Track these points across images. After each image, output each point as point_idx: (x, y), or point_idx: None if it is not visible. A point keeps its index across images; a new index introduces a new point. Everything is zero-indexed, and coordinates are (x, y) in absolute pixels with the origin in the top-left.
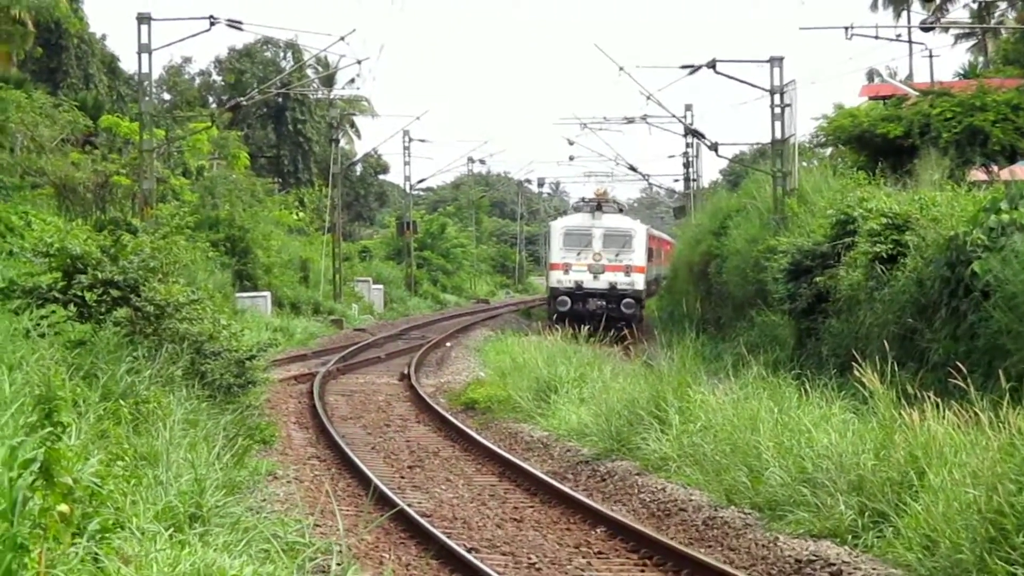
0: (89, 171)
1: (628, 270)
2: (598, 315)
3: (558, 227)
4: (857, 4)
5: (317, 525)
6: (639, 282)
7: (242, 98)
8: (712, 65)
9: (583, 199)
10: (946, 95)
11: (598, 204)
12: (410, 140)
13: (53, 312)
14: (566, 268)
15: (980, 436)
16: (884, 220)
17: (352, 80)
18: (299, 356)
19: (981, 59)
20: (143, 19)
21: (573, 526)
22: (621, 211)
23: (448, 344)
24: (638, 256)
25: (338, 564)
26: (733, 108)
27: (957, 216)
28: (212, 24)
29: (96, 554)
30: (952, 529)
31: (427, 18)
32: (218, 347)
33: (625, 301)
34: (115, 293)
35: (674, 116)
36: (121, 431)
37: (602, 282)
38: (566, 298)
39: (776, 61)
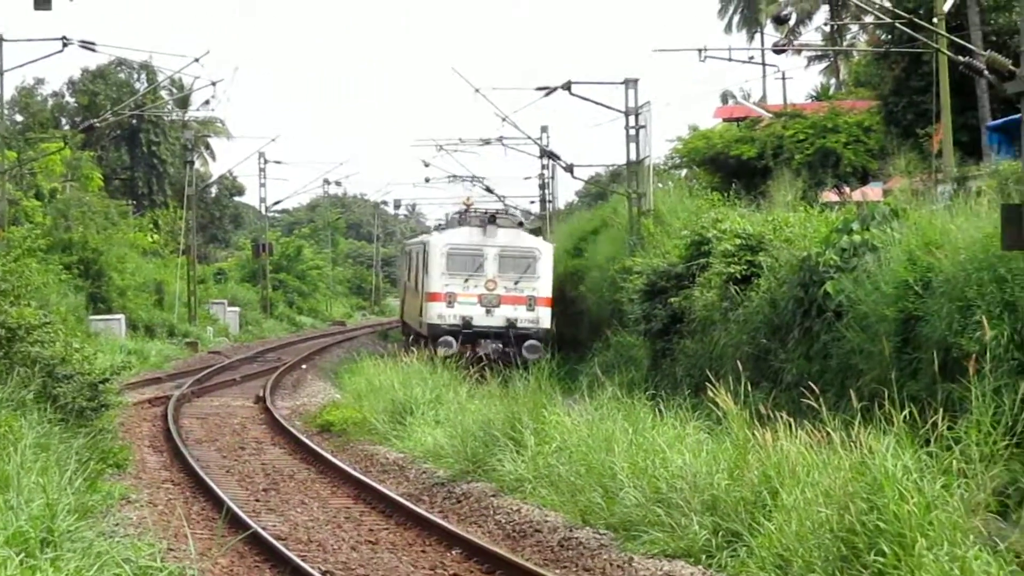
0: None
1: (532, 303)
2: (492, 360)
3: (438, 245)
4: (712, 26)
5: (171, 549)
6: (545, 318)
7: (96, 119)
8: (567, 87)
9: (468, 209)
10: (799, 117)
11: (492, 216)
12: (265, 162)
13: None
14: (450, 299)
15: (832, 456)
16: (738, 241)
17: (207, 102)
18: (154, 379)
19: (833, 81)
20: None
21: (428, 548)
22: (521, 225)
23: (304, 367)
24: (544, 284)
25: None
26: (589, 130)
27: (810, 237)
28: (65, 45)
29: None
30: (805, 548)
31: (283, 40)
32: (70, 370)
33: (528, 344)
34: None
35: (529, 138)
36: None
37: (497, 318)
38: (450, 339)
39: (631, 83)
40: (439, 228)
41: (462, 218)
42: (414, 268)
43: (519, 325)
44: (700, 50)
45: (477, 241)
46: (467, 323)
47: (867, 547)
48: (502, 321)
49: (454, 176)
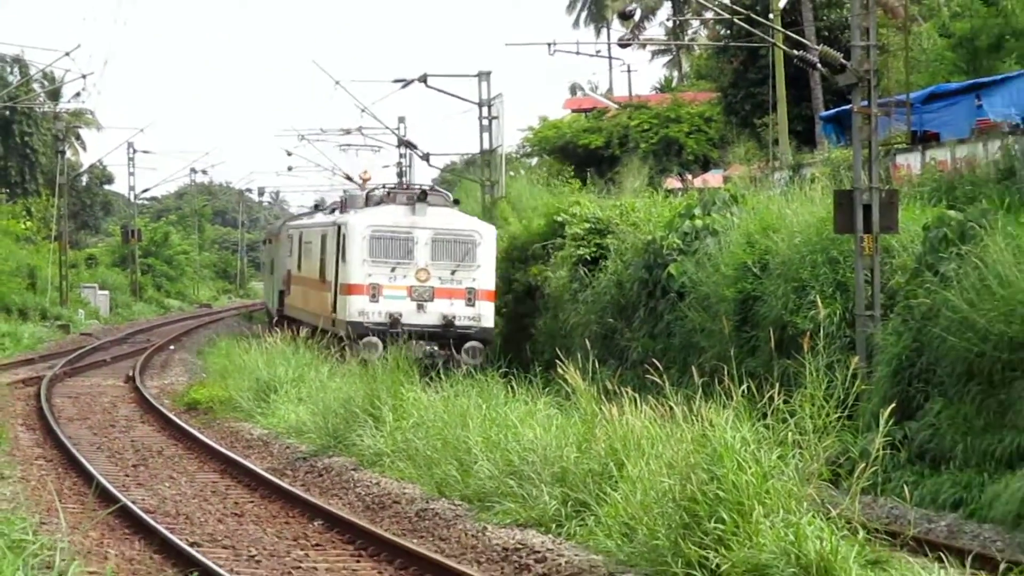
0: None
1: (471, 296)
2: (425, 365)
3: (359, 227)
4: (561, 22)
5: (43, 523)
6: (488, 315)
7: None
8: (423, 79)
9: (365, 183)
10: (643, 108)
11: (422, 192)
12: (134, 152)
13: None
14: (374, 292)
15: (675, 429)
16: (587, 225)
17: (78, 94)
18: (26, 360)
19: (676, 74)
20: None
21: (292, 520)
22: (457, 203)
23: (171, 348)
24: (486, 274)
25: (62, 560)
26: (445, 120)
27: (654, 221)
28: None
29: None
30: (649, 516)
31: (152, 34)
32: None
33: (469, 346)
34: None
35: (387, 128)
36: None
37: (431, 315)
38: (375, 340)
39: (484, 75)
40: (343, 207)
41: (382, 194)
42: (313, 254)
43: (457, 324)
44: (549, 44)
45: (405, 223)
46: (395, 321)
47: (708, 515)
48: (437, 318)
49: (318, 165)
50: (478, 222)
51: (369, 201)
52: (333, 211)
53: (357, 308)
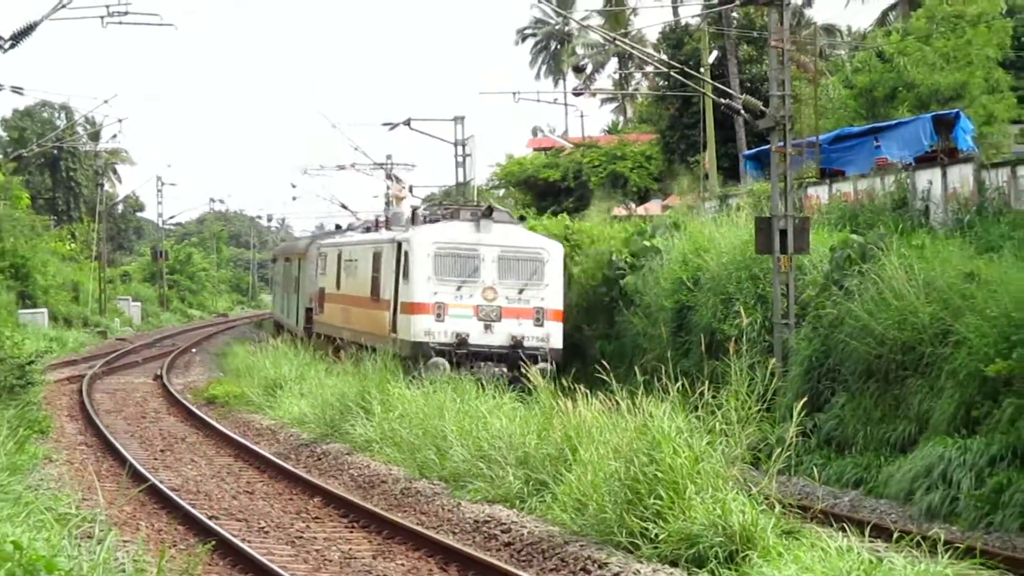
0: None
1: (540, 316)
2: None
3: (424, 243)
4: (526, 73)
5: (84, 499)
6: (557, 336)
7: (23, 150)
8: (407, 123)
9: (395, 202)
10: (594, 147)
11: (488, 209)
12: (162, 184)
13: None
14: (439, 311)
15: (620, 419)
16: (568, 244)
17: (115, 136)
18: (70, 361)
19: (622, 118)
20: None
21: (295, 496)
22: (523, 219)
23: (193, 350)
24: (554, 293)
25: (100, 531)
26: (427, 156)
27: (608, 242)
28: None
29: None
30: (598, 494)
31: (179, 81)
32: (2, 354)
33: (539, 369)
34: None
35: (376, 163)
36: None
37: (499, 335)
38: (441, 361)
39: (459, 119)
40: (385, 225)
41: (443, 211)
42: (360, 272)
43: (526, 345)
44: (515, 93)
45: (471, 240)
46: (462, 341)
47: (648, 492)
48: (505, 339)
49: (317, 195)
50: (545, 239)
51: (417, 219)
52: (368, 230)
53: (422, 328)
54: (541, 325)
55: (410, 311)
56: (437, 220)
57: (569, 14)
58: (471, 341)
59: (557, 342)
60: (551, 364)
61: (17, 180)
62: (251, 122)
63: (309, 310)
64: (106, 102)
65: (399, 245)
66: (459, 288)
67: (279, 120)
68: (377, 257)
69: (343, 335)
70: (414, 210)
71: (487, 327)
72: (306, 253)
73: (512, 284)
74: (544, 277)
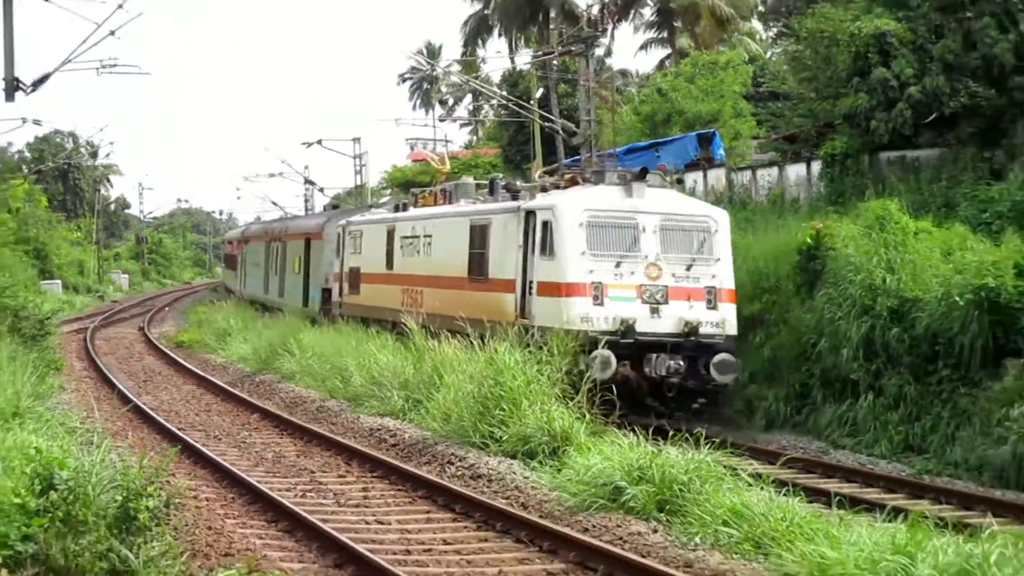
0: None
1: (712, 297)
2: (669, 386)
3: (572, 210)
4: (406, 105)
5: (87, 416)
6: (731, 320)
7: (42, 166)
8: (319, 142)
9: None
10: (455, 158)
11: (642, 172)
12: (142, 188)
13: None
14: (597, 292)
15: (474, 355)
16: None
17: (108, 154)
18: (77, 318)
19: (475, 137)
20: None
21: (240, 413)
22: (680, 182)
23: (167, 309)
24: (725, 269)
25: (98, 439)
26: (339, 165)
27: None
28: (24, 122)
29: None
30: (458, 408)
31: (151, 110)
32: (28, 313)
33: (720, 360)
34: None
35: (298, 172)
36: None
37: (668, 320)
38: (607, 354)
39: (356, 139)
40: (447, 198)
41: (590, 175)
42: (443, 248)
43: (701, 332)
44: (397, 120)
45: (625, 206)
46: (628, 328)
47: (494, 406)
48: (676, 325)
49: (256, 196)
50: (710, 206)
51: (546, 186)
52: (400, 208)
53: (577, 312)
54: (715, 308)
55: (557, 292)
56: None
57: (436, 63)
58: (639, 328)
59: (733, 328)
60: (732, 356)
61: (37, 188)
62: (207, 139)
63: (327, 291)
64: (101, 130)
65: (530, 214)
66: (618, 265)
67: (228, 137)
68: (481, 230)
69: (400, 318)
70: (545, 174)
71: (653, 311)
72: (321, 233)
73: (678, 259)
74: (714, 250)
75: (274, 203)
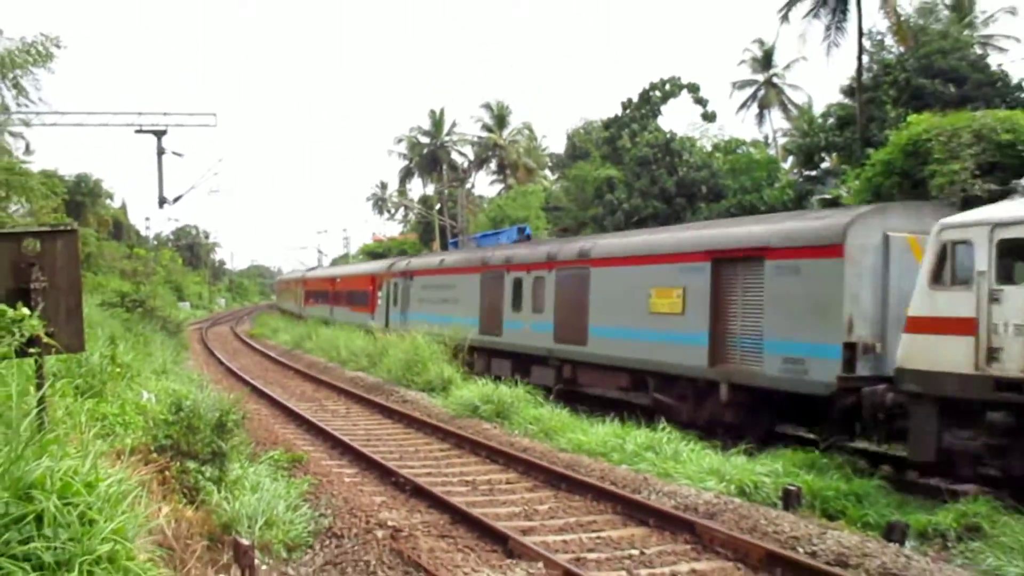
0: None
1: None
2: None
3: None
4: (370, 213)
5: (201, 374)
6: None
7: (179, 243)
8: (325, 231)
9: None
10: (393, 239)
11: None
12: (232, 255)
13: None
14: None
15: (404, 338)
16: None
17: (213, 238)
18: (198, 322)
19: (406, 227)
20: None
21: (283, 370)
22: None
23: (245, 317)
24: None
25: (205, 384)
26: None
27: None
28: (169, 220)
29: (131, 385)
30: (397, 366)
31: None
32: (171, 319)
33: None
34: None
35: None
36: (140, 344)
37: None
38: None
39: (345, 230)
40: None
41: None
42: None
43: None
44: (366, 220)
45: None
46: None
47: (413, 364)
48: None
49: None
50: None
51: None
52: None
53: None
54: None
55: None
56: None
57: (385, 192)
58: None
59: None
60: None
61: (177, 254)
62: (270, 218)
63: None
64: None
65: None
66: None
67: (279, 217)
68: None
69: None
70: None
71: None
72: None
73: None
74: None
75: (319, 251)
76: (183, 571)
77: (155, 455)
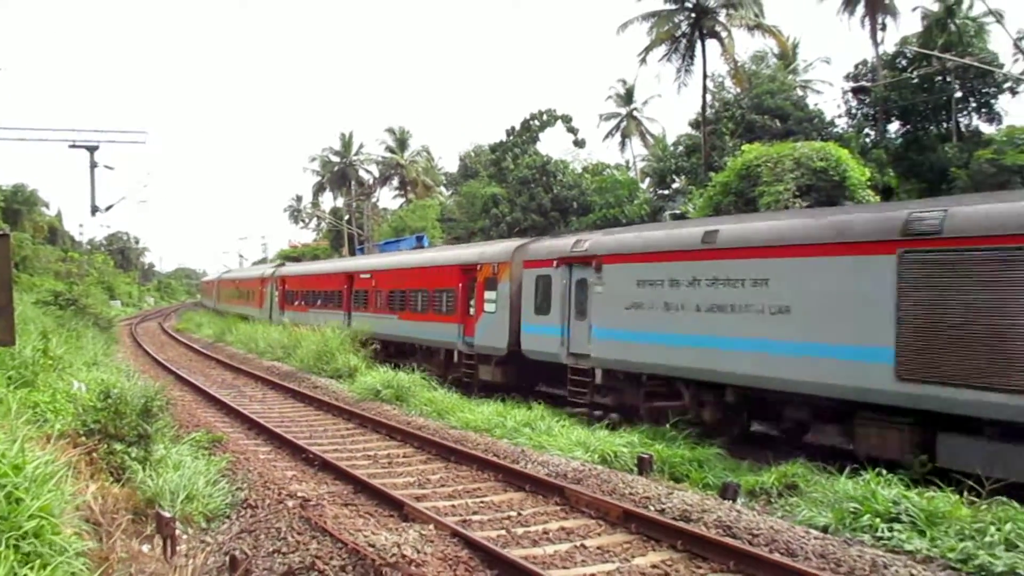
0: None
1: None
2: None
3: None
4: (287, 223)
5: (129, 364)
6: None
7: (112, 248)
8: (245, 237)
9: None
10: (307, 246)
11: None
12: (159, 259)
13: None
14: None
15: (314, 333)
16: None
17: (139, 241)
18: (128, 319)
19: (319, 235)
20: None
21: (206, 361)
22: None
23: (172, 314)
24: None
25: (134, 373)
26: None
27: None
28: (102, 226)
29: (63, 376)
30: (309, 356)
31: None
32: (102, 316)
33: None
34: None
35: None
36: (73, 338)
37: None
38: None
39: (263, 237)
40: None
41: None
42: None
43: None
44: (289, 239)
45: None
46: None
47: (325, 354)
48: None
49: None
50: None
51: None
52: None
53: None
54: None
55: None
56: None
57: (299, 205)
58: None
59: None
60: None
61: (109, 258)
62: (196, 221)
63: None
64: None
65: None
66: None
67: (204, 219)
68: None
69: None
70: None
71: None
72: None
73: None
74: None
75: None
76: (109, 543)
77: (83, 438)
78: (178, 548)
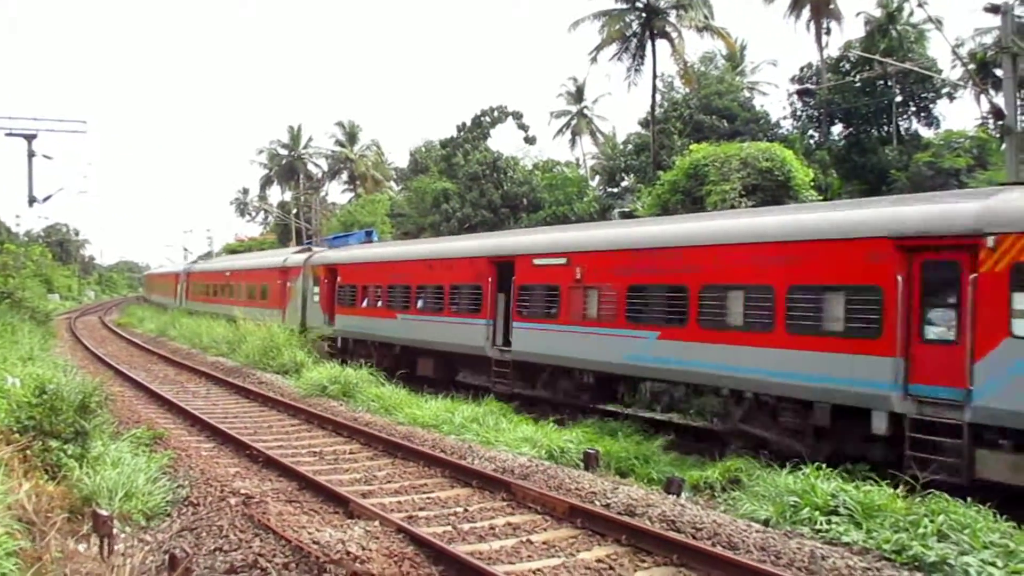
0: None
1: None
2: None
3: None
4: (236, 219)
5: (69, 360)
6: None
7: (50, 241)
8: (191, 231)
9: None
10: (254, 240)
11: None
12: (100, 252)
13: None
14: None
15: (262, 327)
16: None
17: (79, 232)
18: (67, 312)
19: (265, 229)
20: None
21: (148, 356)
22: None
23: (113, 308)
24: None
25: (73, 369)
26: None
27: None
28: (39, 218)
29: None
30: (255, 352)
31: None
32: (39, 309)
33: None
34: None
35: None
36: (7, 333)
37: None
38: None
39: (208, 230)
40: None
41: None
42: None
43: None
44: (236, 234)
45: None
46: None
47: (271, 350)
48: None
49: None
50: None
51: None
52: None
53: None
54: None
55: None
56: None
57: (246, 198)
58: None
59: None
60: None
61: (47, 250)
62: (140, 214)
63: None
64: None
65: None
66: None
67: (149, 211)
68: None
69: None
70: None
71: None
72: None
73: None
74: None
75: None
76: (43, 542)
77: (17, 436)
78: (115, 547)
